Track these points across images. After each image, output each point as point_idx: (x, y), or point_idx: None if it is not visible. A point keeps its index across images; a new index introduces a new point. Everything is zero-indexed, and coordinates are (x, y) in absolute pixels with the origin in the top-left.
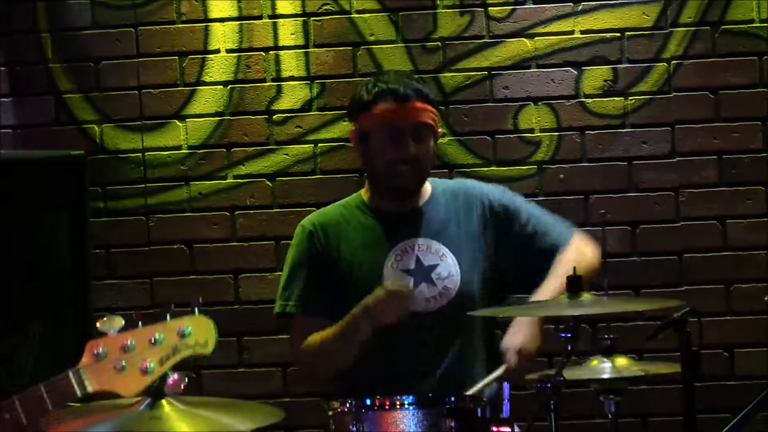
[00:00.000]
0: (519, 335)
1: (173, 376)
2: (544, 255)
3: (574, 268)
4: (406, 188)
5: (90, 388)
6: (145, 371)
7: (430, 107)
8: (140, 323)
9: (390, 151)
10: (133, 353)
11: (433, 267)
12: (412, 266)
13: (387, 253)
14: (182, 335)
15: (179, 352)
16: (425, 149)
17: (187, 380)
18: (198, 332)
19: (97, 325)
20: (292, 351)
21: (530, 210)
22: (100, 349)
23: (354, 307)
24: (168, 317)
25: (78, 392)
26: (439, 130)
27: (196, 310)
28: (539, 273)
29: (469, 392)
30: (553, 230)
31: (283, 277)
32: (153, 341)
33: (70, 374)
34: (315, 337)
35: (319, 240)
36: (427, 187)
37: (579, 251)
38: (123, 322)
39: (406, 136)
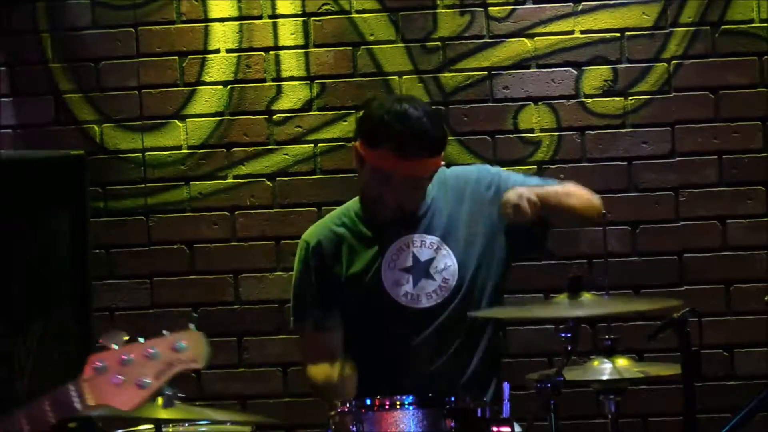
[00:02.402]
0: (520, 189)
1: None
2: None
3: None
4: (383, 223)
5: (89, 402)
6: (141, 386)
7: (438, 159)
8: (140, 338)
9: (376, 192)
10: (131, 368)
11: (430, 261)
12: (410, 263)
13: (383, 255)
14: (176, 350)
15: (174, 367)
16: (418, 195)
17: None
18: (191, 348)
19: (100, 340)
20: (303, 363)
21: (515, 177)
22: (100, 363)
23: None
24: (164, 332)
25: (78, 406)
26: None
27: (192, 326)
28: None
29: None
30: (542, 183)
31: (293, 293)
32: (149, 356)
33: (71, 388)
34: (326, 370)
35: (322, 255)
36: None
37: (574, 187)
38: (126, 337)
39: (398, 185)
